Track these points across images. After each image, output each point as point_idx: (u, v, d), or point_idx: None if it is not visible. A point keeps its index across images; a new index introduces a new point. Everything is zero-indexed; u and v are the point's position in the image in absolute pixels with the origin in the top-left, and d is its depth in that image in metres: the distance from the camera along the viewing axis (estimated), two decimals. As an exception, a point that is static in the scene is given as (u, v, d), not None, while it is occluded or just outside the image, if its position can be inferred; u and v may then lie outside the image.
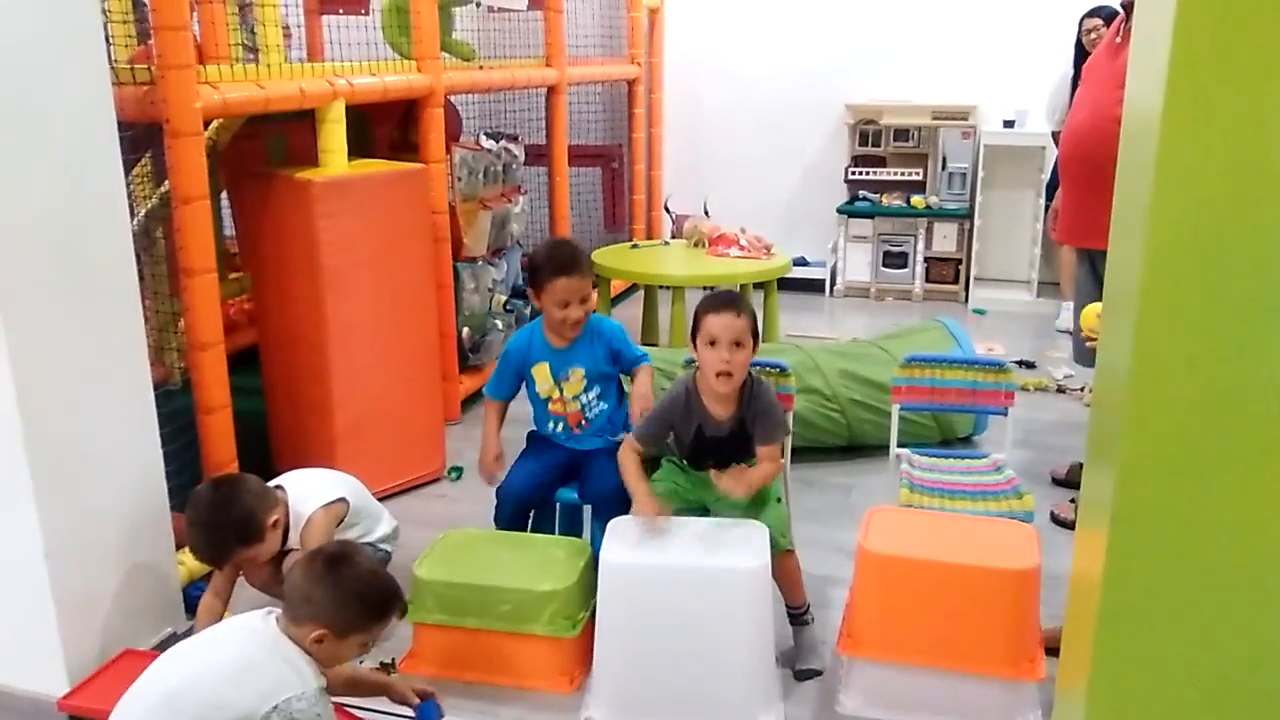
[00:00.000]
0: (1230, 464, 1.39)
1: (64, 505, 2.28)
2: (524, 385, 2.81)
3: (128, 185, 2.50)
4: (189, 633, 2.59)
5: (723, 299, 2.46)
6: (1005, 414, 2.94)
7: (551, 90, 5.08)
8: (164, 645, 2.51)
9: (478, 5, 4.43)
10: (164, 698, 1.87)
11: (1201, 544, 1.43)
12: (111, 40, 2.79)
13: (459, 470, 3.67)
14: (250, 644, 1.90)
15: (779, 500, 2.57)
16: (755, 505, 2.49)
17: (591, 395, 2.75)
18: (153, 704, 1.87)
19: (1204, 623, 1.45)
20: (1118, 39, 3.15)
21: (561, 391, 2.75)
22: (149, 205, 3.77)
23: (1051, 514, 3.27)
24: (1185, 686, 1.48)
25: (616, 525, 2.43)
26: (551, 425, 2.79)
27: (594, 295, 2.74)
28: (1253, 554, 1.42)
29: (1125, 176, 1.75)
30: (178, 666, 1.93)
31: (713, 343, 2.39)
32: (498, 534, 2.72)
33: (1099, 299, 3.26)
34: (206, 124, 2.95)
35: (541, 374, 2.76)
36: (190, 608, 2.65)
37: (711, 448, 2.54)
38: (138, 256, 3.71)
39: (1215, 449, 1.39)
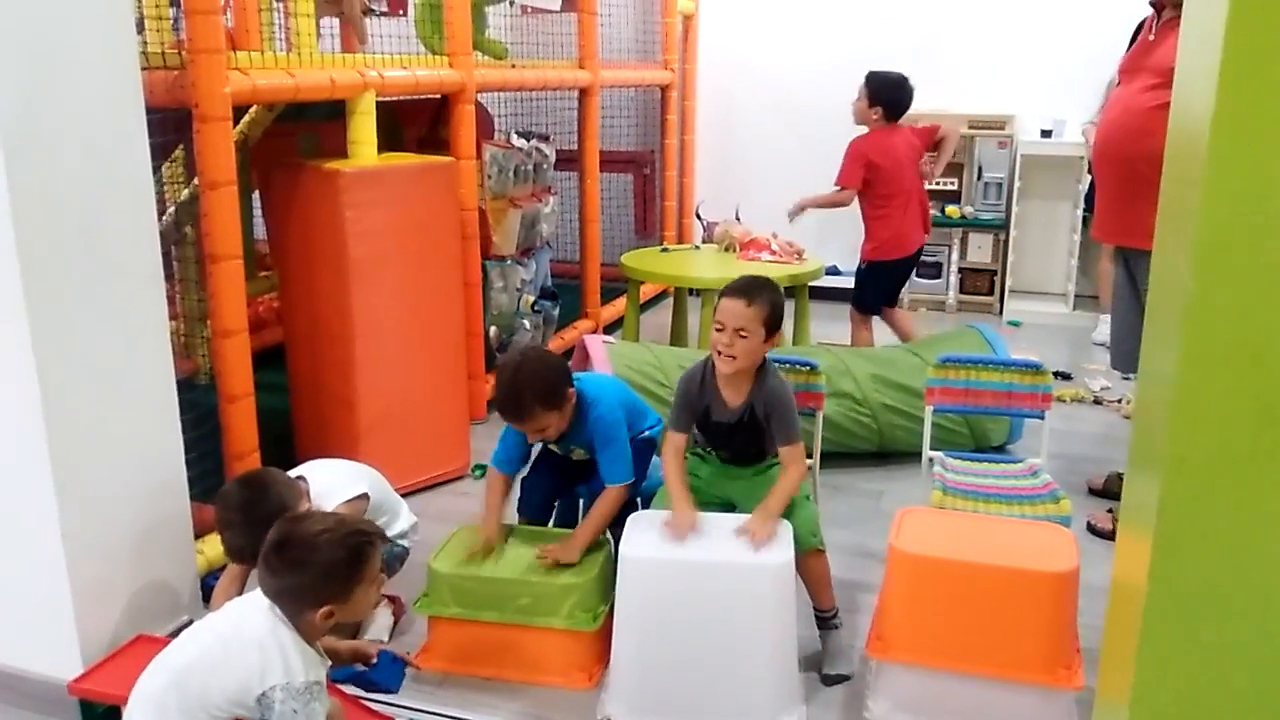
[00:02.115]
0: (1278, 470, 1.33)
1: (82, 487, 2.25)
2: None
3: (158, 176, 2.49)
4: (205, 621, 2.57)
5: (741, 285, 2.42)
6: (1042, 417, 2.87)
7: (584, 92, 5.06)
8: (179, 633, 2.48)
9: (511, 4, 4.42)
10: (173, 675, 1.86)
11: (1250, 549, 1.37)
12: (145, 28, 2.79)
13: (483, 468, 3.61)
14: (251, 623, 1.86)
15: (808, 498, 2.51)
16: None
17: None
18: (163, 682, 1.86)
19: (1253, 630, 1.39)
20: (1150, 36, 3.10)
21: (571, 456, 2.73)
22: (180, 199, 3.78)
23: (1088, 524, 3.19)
24: (1233, 697, 1.42)
25: (637, 519, 2.38)
26: None
27: (553, 423, 2.53)
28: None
29: (1172, 177, 1.70)
30: (189, 645, 1.91)
31: (720, 327, 2.38)
32: (513, 527, 2.67)
33: (1134, 301, 3.21)
34: (238, 112, 2.94)
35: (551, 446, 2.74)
36: (208, 597, 2.62)
37: (719, 433, 2.50)
38: (169, 251, 3.72)
39: (1264, 453, 1.33)
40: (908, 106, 4.30)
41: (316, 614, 1.84)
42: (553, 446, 2.71)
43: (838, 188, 4.36)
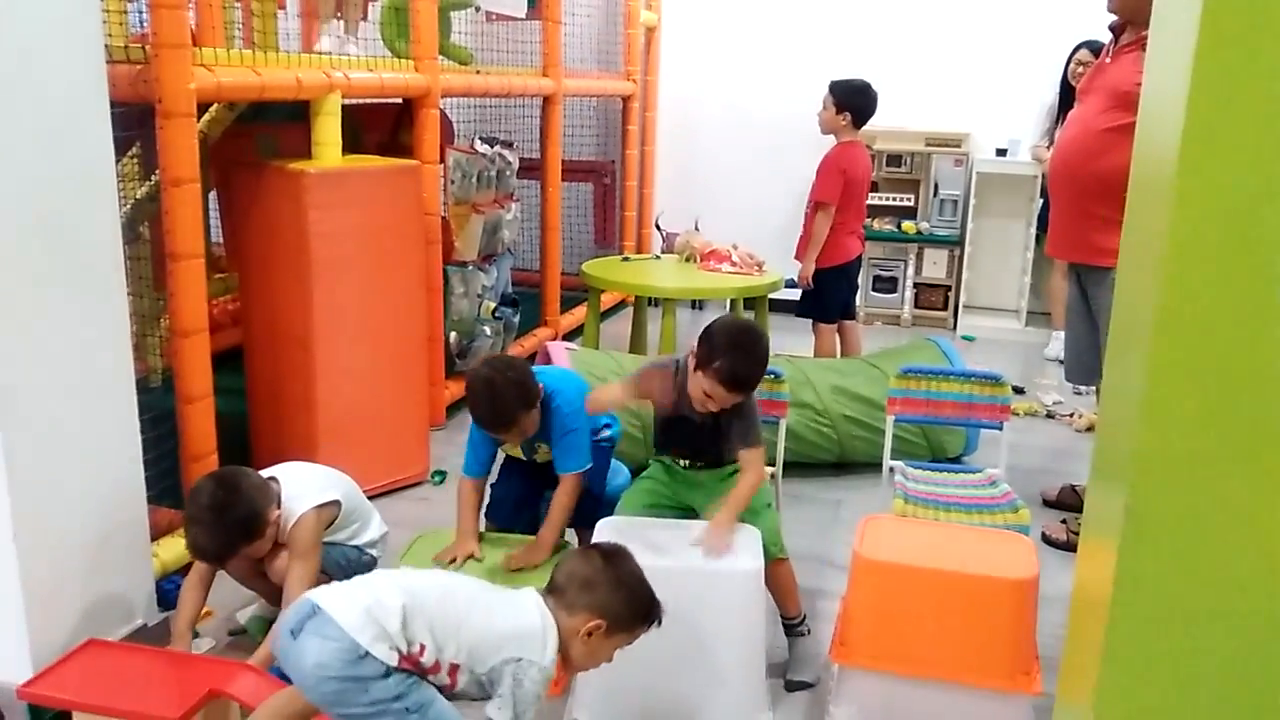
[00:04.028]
0: (1244, 477, 1.37)
1: (37, 487, 2.19)
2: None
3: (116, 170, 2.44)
4: (161, 625, 2.51)
5: (741, 378, 2.34)
6: (1000, 428, 2.91)
7: (547, 100, 5.06)
8: (133, 637, 2.43)
9: (476, 9, 4.41)
10: (434, 590, 1.85)
11: (1214, 555, 1.40)
12: (106, 19, 2.74)
13: (442, 474, 3.60)
14: (532, 598, 1.89)
15: (770, 506, 2.52)
16: (747, 511, 2.44)
17: None
18: (393, 592, 1.81)
19: (1217, 634, 1.42)
20: (1107, 59, 3.17)
21: (535, 459, 2.73)
22: (135, 199, 3.72)
23: (1043, 534, 3.24)
24: (1197, 700, 1.45)
25: (605, 526, 2.38)
26: None
27: (531, 422, 2.56)
28: (1268, 568, 1.39)
29: (1138, 191, 1.74)
30: (442, 578, 1.94)
31: (708, 397, 2.35)
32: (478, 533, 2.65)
33: (1087, 316, 3.28)
34: (201, 109, 2.90)
35: (512, 450, 2.74)
36: (163, 601, 2.57)
37: (683, 431, 2.50)
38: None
39: (1229, 459, 1.37)
40: (873, 111, 4.37)
41: (588, 622, 1.86)
42: (515, 452, 2.71)
43: (814, 203, 4.36)
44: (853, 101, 4.27)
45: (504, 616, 1.84)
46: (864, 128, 4.44)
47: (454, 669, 1.79)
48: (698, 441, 2.51)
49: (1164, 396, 1.38)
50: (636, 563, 1.99)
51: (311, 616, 1.78)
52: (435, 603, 1.81)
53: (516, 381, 2.50)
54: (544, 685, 1.82)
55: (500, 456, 2.76)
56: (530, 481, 2.72)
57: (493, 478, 2.82)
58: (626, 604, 1.90)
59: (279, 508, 2.37)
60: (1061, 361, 4.06)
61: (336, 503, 2.48)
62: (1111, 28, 3.17)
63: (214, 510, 2.25)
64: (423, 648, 1.76)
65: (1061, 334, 5.11)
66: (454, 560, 2.49)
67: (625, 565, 1.95)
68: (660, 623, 1.98)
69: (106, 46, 2.44)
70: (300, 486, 2.44)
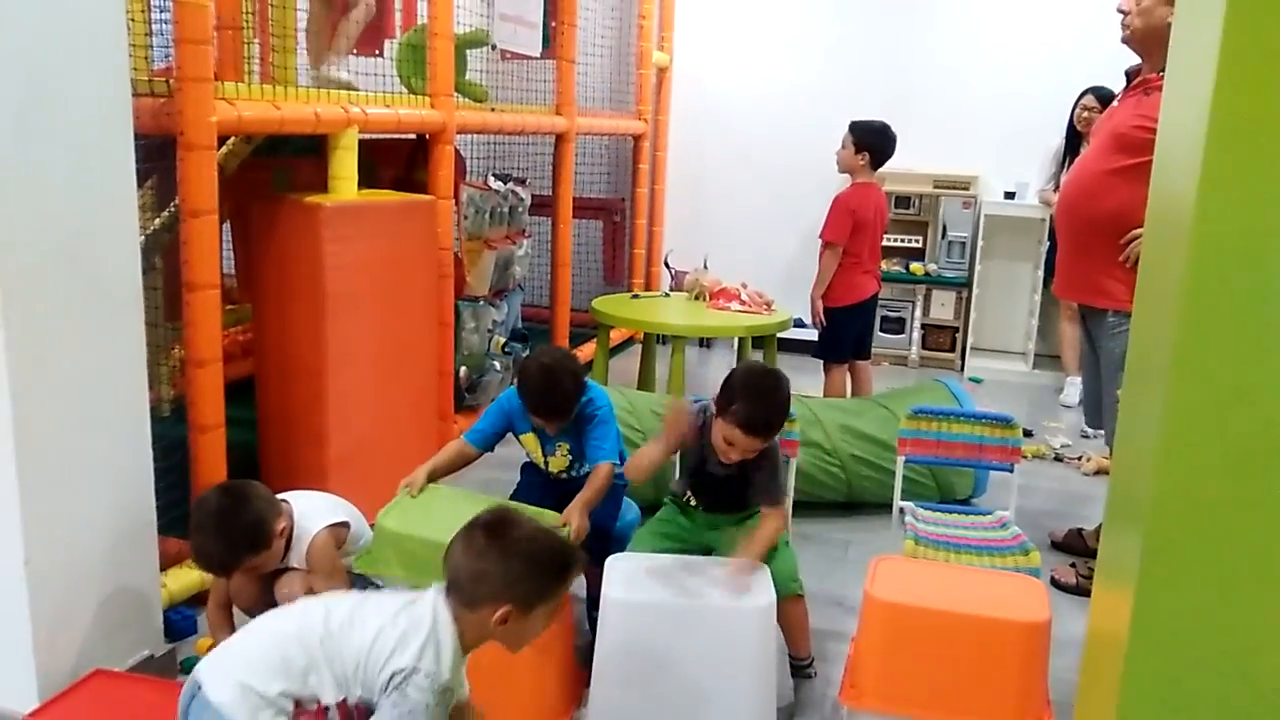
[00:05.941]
0: (1261, 521, 1.37)
1: (49, 514, 2.19)
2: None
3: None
4: (167, 656, 2.50)
5: (761, 421, 2.31)
6: (1011, 470, 2.91)
7: (560, 138, 5.11)
8: (140, 667, 2.42)
9: (493, 48, 4.47)
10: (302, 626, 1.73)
11: (1231, 598, 1.40)
12: (131, 52, 2.78)
13: (450, 508, 3.59)
14: (422, 605, 1.72)
15: (787, 544, 2.52)
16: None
17: (579, 463, 2.75)
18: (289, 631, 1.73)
19: (1234, 679, 1.41)
20: (1115, 103, 3.22)
21: (548, 464, 2.77)
22: (150, 230, 3.75)
23: (1052, 578, 3.22)
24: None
25: (616, 562, 2.37)
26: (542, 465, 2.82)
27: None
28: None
29: (1154, 235, 1.76)
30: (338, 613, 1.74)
31: (730, 444, 2.33)
32: (469, 494, 2.66)
33: (1094, 359, 3.30)
34: (221, 141, 2.93)
35: (529, 443, 2.78)
36: (170, 631, 2.56)
37: (708, 482, 2.50)
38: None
39: (1245, 504, 1.37)
40: (892, 152, 4.41)
41: (495, 612, 1.68)
42: (533, 448, 2.76)
43: (823, 241, 4.39)
44: (871, 142, 4.31)
45: (385, 630, 1.68)
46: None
47: (360, 712, 1.66)
48: (721, 490, 2.50)
49: (1181, 440, 1.39)
50: (526, 520, 1.78)
51: (194, 696, 1.72)
52: (319, 639, 1.69)
53: (573, 372, 2.60)
54: (432, 695, 1.65)
55: (521, 456, 2.80)
56: (541, 505, 2.73)
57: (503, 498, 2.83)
58: (528, 576, 1.70)
59: (290, 525, 2.37)
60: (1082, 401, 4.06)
61: (346, 524, 2.49)
62: (1127, 73, 3.22)
63: (219, 517, 2.24)
64: (322, 709, 1.66)
65: (1074, 379, 5.13)
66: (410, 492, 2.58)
67: (512, 533, 1.73)
68: (580, 566, 1.82)
69: (131, 79, 2.47)
70: (311, 507, 2.45)
